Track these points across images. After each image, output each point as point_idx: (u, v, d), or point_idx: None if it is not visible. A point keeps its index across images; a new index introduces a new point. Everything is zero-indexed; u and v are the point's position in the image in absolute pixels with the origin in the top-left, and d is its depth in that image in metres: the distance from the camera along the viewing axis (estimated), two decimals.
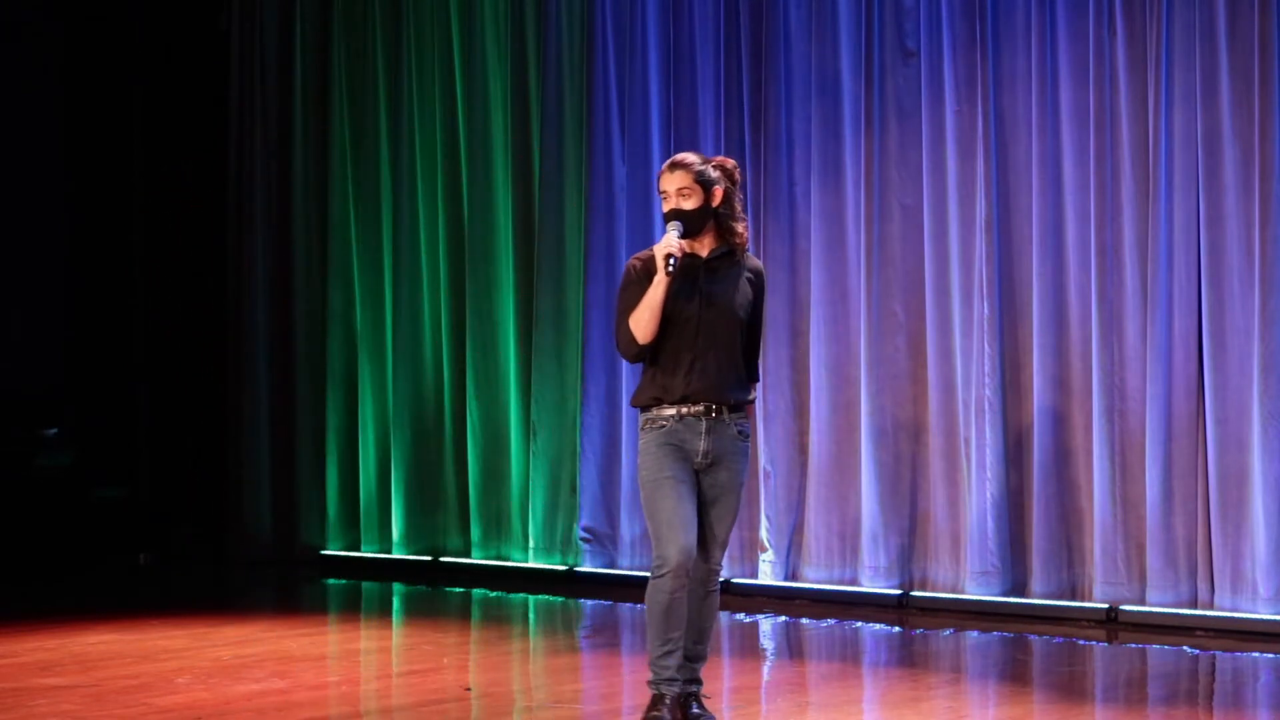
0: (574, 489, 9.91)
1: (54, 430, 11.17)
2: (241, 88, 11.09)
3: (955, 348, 8.79)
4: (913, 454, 8.94)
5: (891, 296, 8.99)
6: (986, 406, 8.65)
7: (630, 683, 7.21)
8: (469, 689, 6.96)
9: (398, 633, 8.90)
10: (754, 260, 6.09)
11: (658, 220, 9.65)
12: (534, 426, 10.01)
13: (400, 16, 10.58)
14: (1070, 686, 7.22)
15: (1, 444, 10.90)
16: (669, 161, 5.94)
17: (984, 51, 8.72)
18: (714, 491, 5.95)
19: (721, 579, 9.69)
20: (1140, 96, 8.36)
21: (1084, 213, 8.50)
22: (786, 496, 9.26)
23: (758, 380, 6.15)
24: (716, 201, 5.91)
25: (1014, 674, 7.52)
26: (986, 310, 8.67)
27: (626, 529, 9.73)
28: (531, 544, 10.06)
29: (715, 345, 5.90)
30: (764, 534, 9.26)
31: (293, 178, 10.97)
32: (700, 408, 5.89)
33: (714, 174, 5.90)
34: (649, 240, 9.68)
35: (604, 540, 9.82)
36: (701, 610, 6.00)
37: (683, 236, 5.86)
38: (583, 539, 9.86)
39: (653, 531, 5.87)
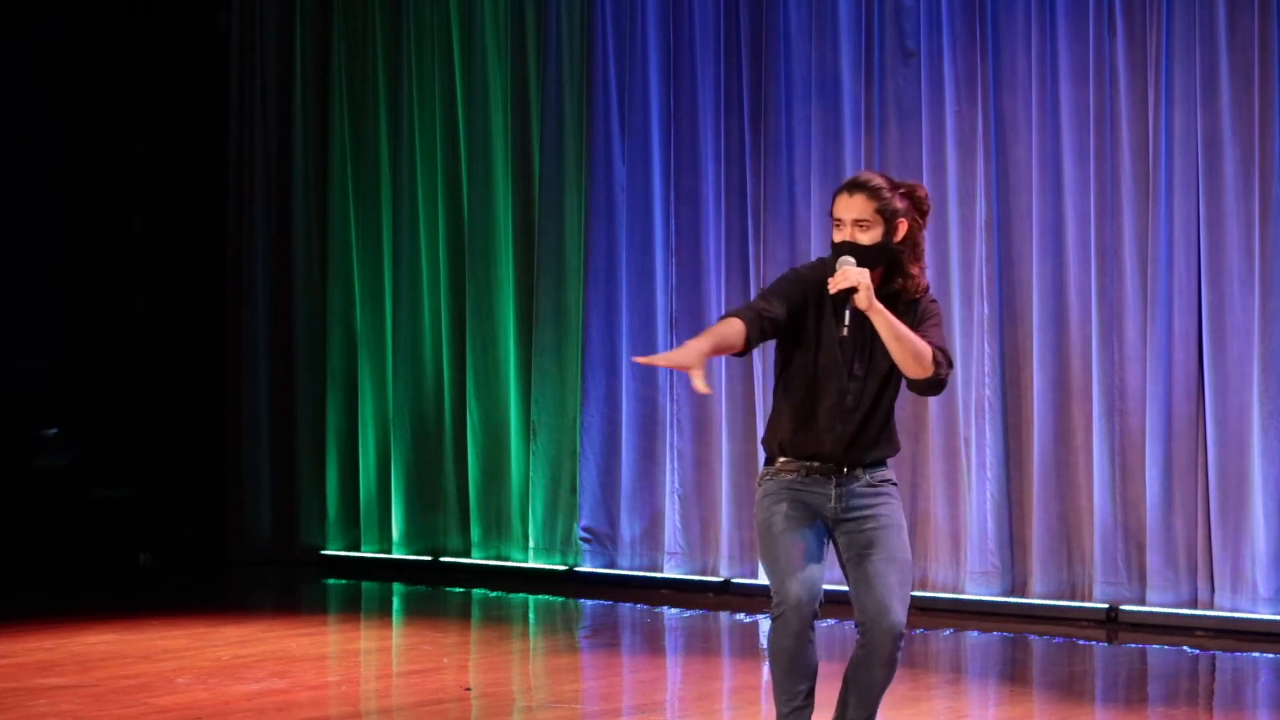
0: (574, 489, 9.91)
1: (54, 430, 11.16)
2: (241, 88, 11.08)
3: (955, 348, 8.78)
4: (913, 454, 8.93)
5: None
6: (986, 406, 8.65)
7: (630, 683, 7.21)
8: (469, 689, 6.96)
9: (398, 633, 8.90)
10: (926, 303, 5.20)
11: (659, 220, 9.66)
12: (534, 426, 10.01)
13: (400, 16, 10.58)
14: (1070, 686, 7.22)
15: (1, 444, 10.90)
16: (849, 181, 5.07)
17: (984, 51, 8.72)
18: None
19: (722, 579, 9.73)
20: (1140, 96, 8.36)
21: (1084, 213, 8.49)
22: None
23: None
24: (898, 237, 5.08)
25: (1014, 674, 7.52)
26: (986, 310, 8.67)
27: (626, 529, 9.73)
28: (531, 544, 10.06)
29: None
30: None
31: (293, 178, 10.97)
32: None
33: (900, 205, 5.07)
34: (649, 240, 9.69)
35: (604, 540, 9.82)
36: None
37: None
38: (583, 539, 9.86)
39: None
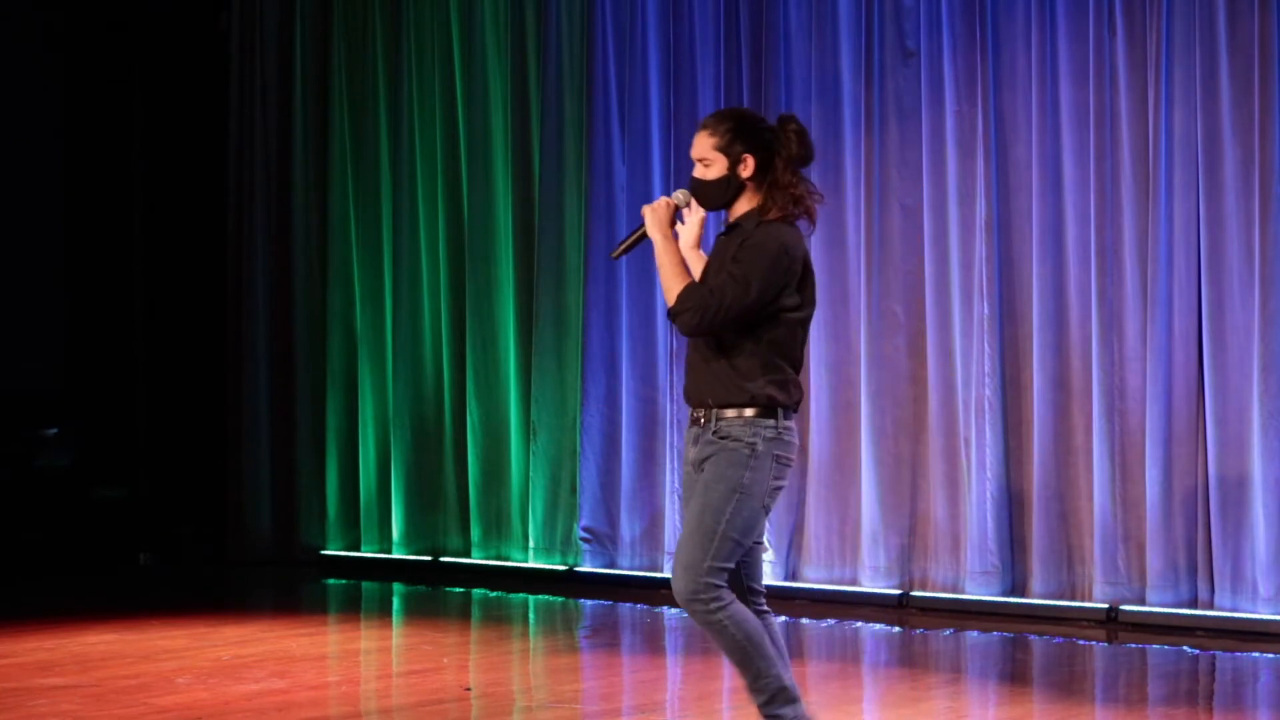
0: (574, 489, 9.91)
1: (54, 430, 11.17)
2: (241, 88, 11.08)
3: (955, 348, 8.79)
4: (913, 454, 8.93)
5: (891, 296, 8.99)
6: (986, 406, 8.65)
7: (630, 683, 7.21)
8: (469, 689, 6.96)
9: (398, 633, 8.90)
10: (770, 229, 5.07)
11: None
12: (534, 426, 10.01)
13: (400, 16, 10.58)
14: (1070, 686, 7.22)
15: (1, 444, 10.90)
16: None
17: (984, 51, 8.72)
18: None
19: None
20: (1140, 96, 8.36)
21: (1084, 213, 8.49)
22: (786, 496, 9.25)
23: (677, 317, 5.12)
24: (747, 172, 5.09)
25: (1014, 674, 7.52)
26: (986, 310, 8.67)
27: (626, 529, 9.73)
28: (531, 544, 10.06)
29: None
30: (764, 534, 9.25)
31: (293, 178, 10.97)
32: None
33: (746, 141, 5.06)
34: (649, 239, 9.68)
35: (604, 540, 9.82)
36: None
37: (720, 209, 5.16)
38: (583, 539, 9.86)
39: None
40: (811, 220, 5.18)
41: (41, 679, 7.11)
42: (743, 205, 5.14)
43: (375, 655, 8.19)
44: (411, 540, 10.53)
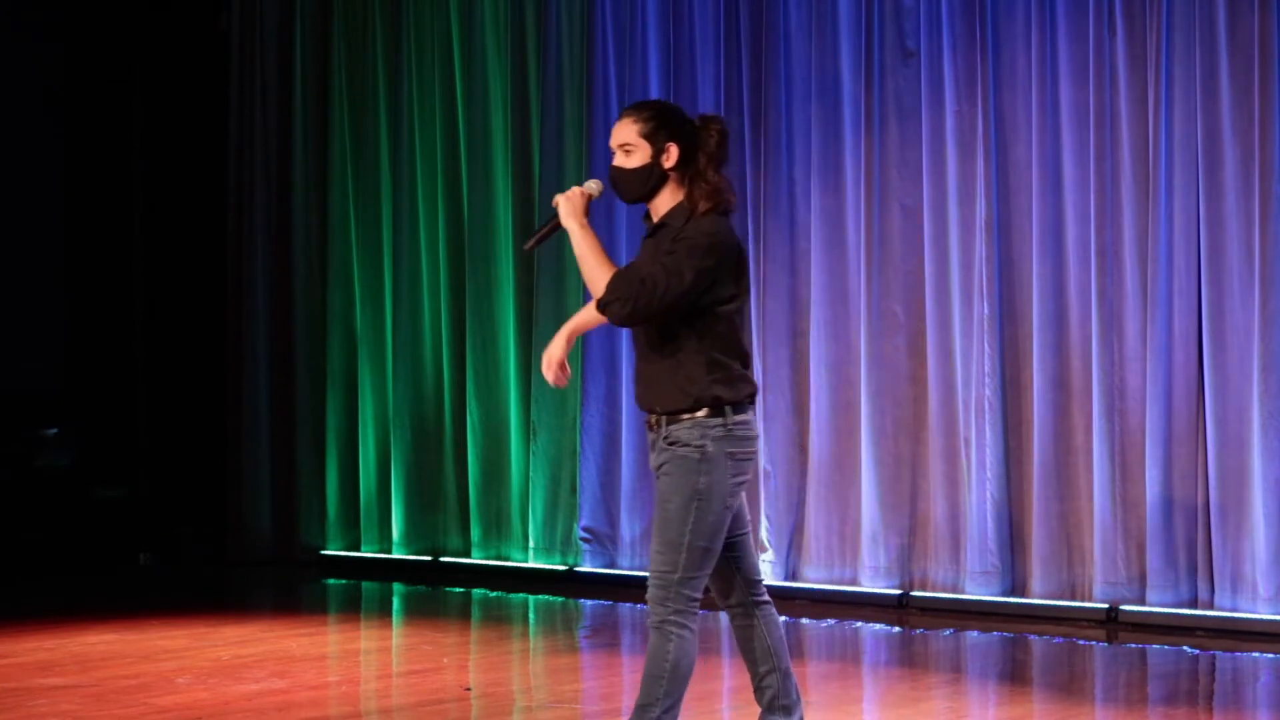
0: (574, 489, 9.91)
1: (54, 430, 11.17)
2: (241, 88, 11.09)
3: (955, 348, 8.79)
4: (913, 454, 8.93)
5: (891, 296, 8.99)
6: (986, 406, 8.65)
7: (630, 683, 7.21)
8: (469, 689, 6.97)
9: (398, 633, 8.90)
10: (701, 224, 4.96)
11: None
12: (534, 426, 10.01)
13: (400, 16, 10.58)
14: (1070, 686, 7.22)
15: (1, 444, 10.90)
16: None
17: (984, 51, 8.72)
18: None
19: None
20: (1140, 96, 8.36)
21: (1084, 213, 8.49)
22: (786, 496, 9.26)
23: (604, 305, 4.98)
24: (669, 162, 5.01)
25: (1014, 674, 7.52)
26: (986, 310, 8.67)
27: (626, 529, 9.73)
28: (531, 544, 10.06)
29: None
30: (764, 534, 9.26)
31: (293, 178, 10.97)
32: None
33: (671, 130, 5.01)
34: None
35: (604, 540, 9.82)
36: None
37: (638, 201, 5.08)
38: (583, 539, 9.86)
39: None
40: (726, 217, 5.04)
41: (41, 679, 7.11)
42: (666, 200, 5.01)
43: (375, 655, 8.19)
44: (411, 540, 10.53)
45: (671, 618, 4.88)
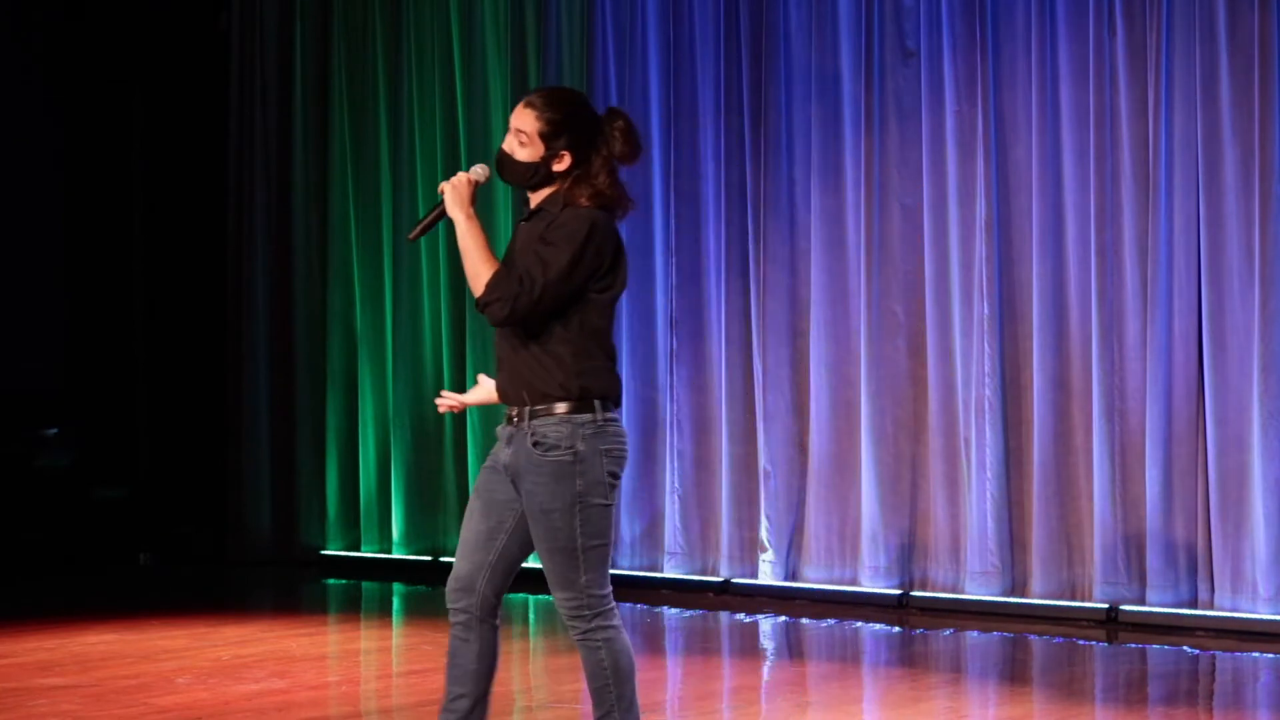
0: None
1: (54, 430, 11.16)
2: (241, 88, 11.09)
3: (955, 348, 8.79)
4: (913, 454, 8.93)
5: (891, 296, 8.99)
6: (986, 406, 8.65)
7: None
8: None
9: (398, 633, 8.90)
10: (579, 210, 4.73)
11: (659, 219, 9.66)
12: None
13: (400, 16, 10.58)
14: (1070, 686, 7.22)
15: (1, 444, 10.90)
16: (530, 92, 4.95)
17: (984, 51, 8.71)
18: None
19: (722, 579, 9.72)
20: (1140, 96, 8.36)
21: (1084, 213, 8.49)
22: (786, 496, 9.26)
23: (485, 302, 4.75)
24: (560, 166, 4.77)
25: (1014, 674, 7.52)
26: (986, 310, 8.67)
27: (626, 529, 9.72)
28: None
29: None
30: (764, 534, 9.26)
31: (293, 178, 10.97)
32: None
33: (572, 136, 4.75)
34: (649, 240, 9.69)
35: None
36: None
37: (524, 187, 4.88)
38: None
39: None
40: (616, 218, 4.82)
41: (41, 679, 7.11)
42: (547, 191, 4.81)
43: (375, 655, 8.19)
44: (411, 540, 10.53)
45: (592, 627, 4.69)
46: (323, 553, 10.80)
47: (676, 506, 9.51)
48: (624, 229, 10.30)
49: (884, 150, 9.02)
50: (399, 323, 10.54)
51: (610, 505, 4.73)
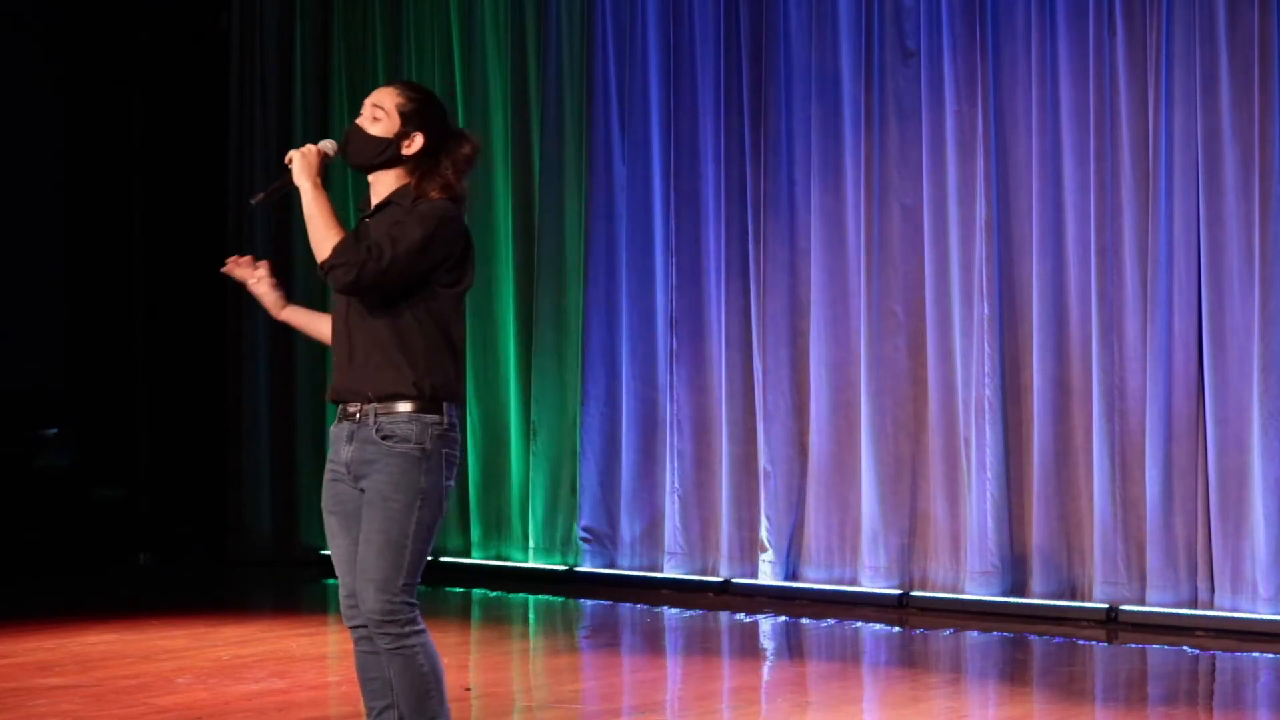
0: (574, 489, 9.91)
1: (54, 430, 11.17)
2: (241, 88, 11.09)
3: (955, 348, 8.79)
4: (913, 454, 8.93)
5: (891, 296, 8.99)
6: (986, 406, 8.65)
7: (630, 683, 7.21)
8: (469, 689, 6.96)
9: None
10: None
11: (659, 220, 9.66)
12: (534, 426, 10.01)
13: (400, 16, 10.58)
14: (1070, 686, 7.22)
15: (1, 444, 10.90)
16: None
17: (984, 51, 8.71)
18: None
19: (722, 579, 9.73)
20: (1140, 96, 8.36)
21: (1084, 213, 8.49)
22: (786, 496, 9.26)
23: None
24: (410, 149, 4.79)
25: (1014, 674, 7.52)
26: (986, 310, 8.67)
27: (626, 529, 9.73)
28: (531, 544, 10.06)
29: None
30: (764, 534, 9.26)
31: None
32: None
33: (427, 123, 4.82)
34: (649, 240, 9.69)
35: (604, 540, 9.82)
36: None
37: (361, 169, 4.87)
38: (583, 539, 9.86)
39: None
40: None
41: (41, 679, 7.11)
42: (390, 181, 4.78)
43: None
44: None
45: (405, 633, 4.61)
46: (323, 553, 10.79)
47: (676, 506, 9.51)
48: (624, 227, 10.35)
49: (884, 150, 9.02)
50: None
51: (441, 515, 4.68)
